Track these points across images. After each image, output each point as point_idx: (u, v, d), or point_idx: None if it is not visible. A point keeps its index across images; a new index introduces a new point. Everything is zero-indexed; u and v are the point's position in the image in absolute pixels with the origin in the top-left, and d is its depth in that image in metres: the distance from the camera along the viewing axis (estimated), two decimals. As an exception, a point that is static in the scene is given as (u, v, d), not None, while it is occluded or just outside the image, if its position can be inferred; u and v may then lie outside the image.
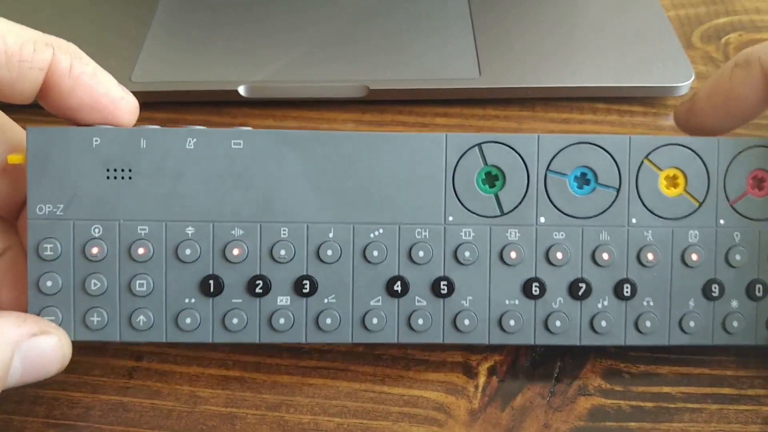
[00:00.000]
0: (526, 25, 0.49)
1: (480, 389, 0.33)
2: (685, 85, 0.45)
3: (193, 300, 0.31)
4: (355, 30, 0.48)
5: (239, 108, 0.45)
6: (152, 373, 0.34)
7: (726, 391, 0.33)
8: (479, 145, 0.32)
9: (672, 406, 0.33)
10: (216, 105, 0.45)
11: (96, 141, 0.31)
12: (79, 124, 0.31)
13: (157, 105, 0.45)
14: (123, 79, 0.44)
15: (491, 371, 0.34)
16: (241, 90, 0.44)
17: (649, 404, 0.33)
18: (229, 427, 0.32)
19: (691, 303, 0.32)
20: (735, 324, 0.32)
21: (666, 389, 0.33)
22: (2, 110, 0.32)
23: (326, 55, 0.47)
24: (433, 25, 0.49)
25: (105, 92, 0.31)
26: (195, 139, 0.31)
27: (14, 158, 0.31)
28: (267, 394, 0.33)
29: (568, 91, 0.45)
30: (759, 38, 0.51)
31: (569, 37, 0.48)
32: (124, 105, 0.31)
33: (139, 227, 0.31)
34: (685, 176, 0.32)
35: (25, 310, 0.31)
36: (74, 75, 0.30)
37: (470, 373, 0.34)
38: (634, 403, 0.33)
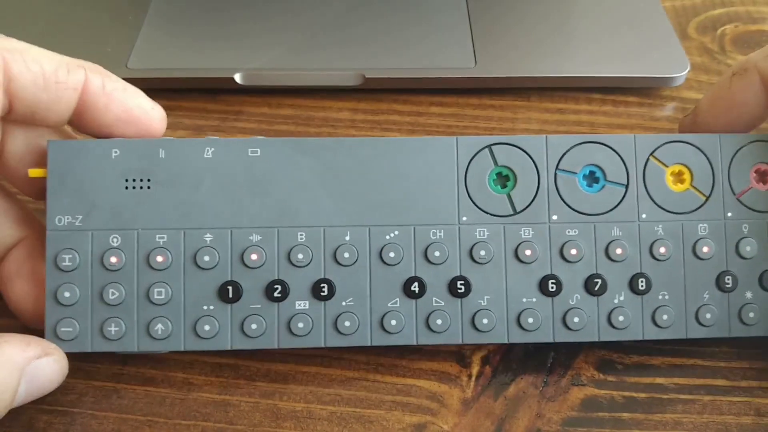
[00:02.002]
0: (523, 14, 0.49)
1: (473, 378, 0.33)
2: (680, 76, 0.45)
3: (211, 307, 0.31)
4: (351, 18, 0.48)
5: (235, 95, 0.45)
6: (146, 360, 0.33)
7: (719, 382, 0.33)
8: (489, 147, 0.32)
9: (665, 396, 0.33)
10: (212, 92, 0.45)
11: (115, 152, 0.31)
12: None
13: (153, 92, 0.44)
14: (119, 66, 0.44)
15: (484, 360, 0.34)
16: (237, 77, 0.44)
17: (642, 395, 0.33)
18: (223, 414, 0.32)
19: (706, 295, 0.33)
20: (751, 315, 0.33)
21: (659, 380, 0.33)
22: None
23: (322, 43, 0.46)
24: (429, 14, 0.49)
25: (137, 104, 0.32)
26: (213, 149, 0.32)
27: (35, 172, 0.31)
28: (260, 381, 0.33)
29: (564, 81, 0.45)
30: (755, 29, 0.51)
31: (565, 27, 0.48)
32: (155, 115, 0.32)
33: (157, 236, 0.31)
34: (691, 172, 0.33)
35: (37, 305, 0.31)
36: (107, 91, 0.31)
37: (463, 362, 0.34)
38: (626, 393, 0.33)
